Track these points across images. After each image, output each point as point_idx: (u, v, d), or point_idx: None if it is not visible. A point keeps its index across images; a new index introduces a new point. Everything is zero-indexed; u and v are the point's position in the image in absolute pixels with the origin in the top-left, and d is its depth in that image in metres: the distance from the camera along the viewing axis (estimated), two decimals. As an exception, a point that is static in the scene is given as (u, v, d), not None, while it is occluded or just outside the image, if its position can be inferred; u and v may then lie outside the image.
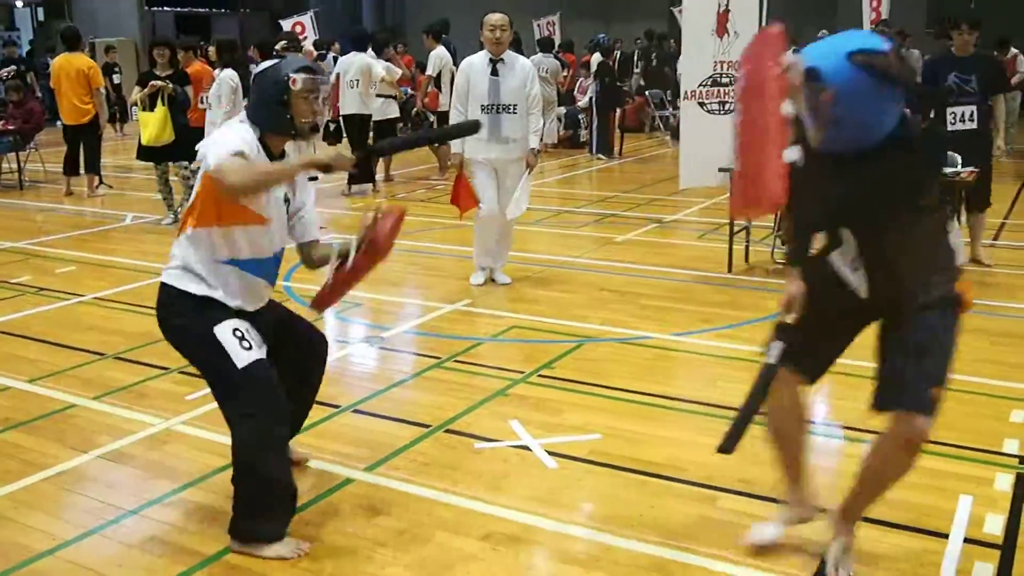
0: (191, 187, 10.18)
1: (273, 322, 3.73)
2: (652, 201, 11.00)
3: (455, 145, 6.93)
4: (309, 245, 3.78)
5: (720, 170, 7.42)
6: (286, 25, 16.78)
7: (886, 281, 3.04)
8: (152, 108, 9.65)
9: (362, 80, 11.66)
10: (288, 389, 3.59)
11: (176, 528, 3.69)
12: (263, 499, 3.53)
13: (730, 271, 7.52)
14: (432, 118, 13.09)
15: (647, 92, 18.49)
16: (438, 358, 5.62)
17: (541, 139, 6.99)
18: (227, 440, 4.37)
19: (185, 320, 3.51)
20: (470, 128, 4.59)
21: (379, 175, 12.65)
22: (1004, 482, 3.95)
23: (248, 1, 30.43)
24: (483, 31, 6.84)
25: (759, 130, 2.79)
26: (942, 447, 4.13)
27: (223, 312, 3.49)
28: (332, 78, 11.67)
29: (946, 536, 3.52)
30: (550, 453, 4.27)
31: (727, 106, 7.86)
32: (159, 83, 9.62)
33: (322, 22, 16.98)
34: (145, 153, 9.96)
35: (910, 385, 2.96)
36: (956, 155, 6.80)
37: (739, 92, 2.97)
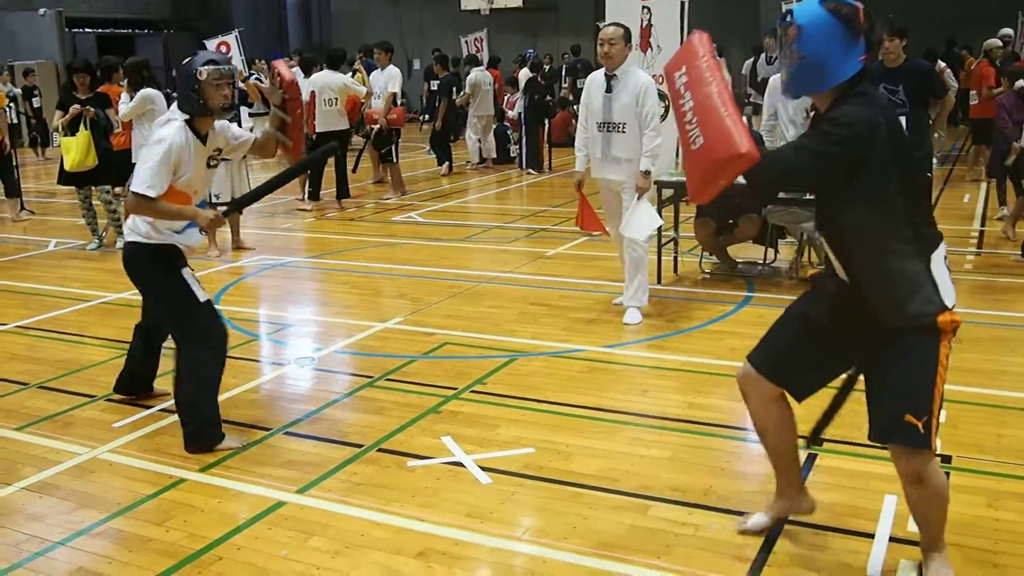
0: (114, 211, 10.08)
1: None
2: (582, 215, 11.08)
3: (579, 162, 6.72)
4: (254, 145, 4.87)
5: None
6: (211, 45, 16.59)
7: (854, 290, 3.09)
8: (74, 133, 9.45)
9: (340, 99, 11.72)
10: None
11: (105, 559, 3.62)
12: (205, 415, 4.52)
13: (659, 282, 7.61)
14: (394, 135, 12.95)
15: (574, 106, 18.65)
16: (370, 377, 5.60)
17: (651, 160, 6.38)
18: (155, 467, 4.41)
19: (158, 264, 4.57)
20: (324, 154, 4.99)
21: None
22: (926, 481, 4.05)
23: (172, 22, 30.06)
24: (597, 45, 6.63)
25: (713, 107, 2.96)
26: (865, 448, 4.22)
27: (182, 259, 4.62)
28: (306, 95, 11.58)
29: (872, 536, 3.61)
30: (483, 468, 4.27)
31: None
32: (79, 107, 9.42)
33: (247, 42, 16.82)
34: (67, 177, 9.74)
35: (887, 417, 3.03)
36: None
37: (682, 88, 3.12)
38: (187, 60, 4.53)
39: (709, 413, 4.86)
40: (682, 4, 8.06)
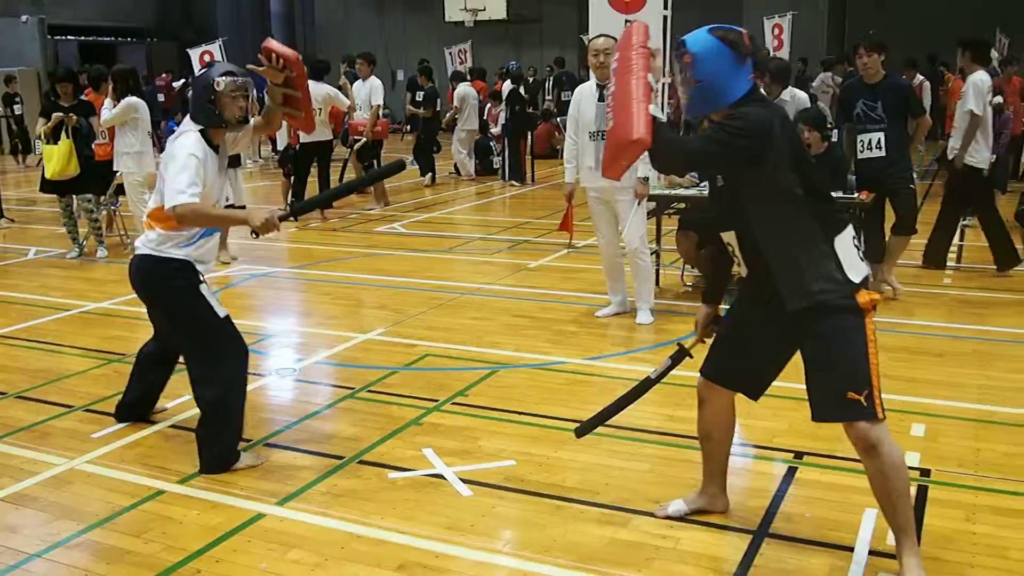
0: (95, 220, 10.00)
1: None
2: (565, 227, 11.10)
3: (568, 174, 6.92)
4: (257, 127, 4.67)
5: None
6: (194, 54, 16.57)
7: (761, 274, 3.35)
8: (56, 141, 9.38)
9: (324, 110, 11.71)
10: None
11: (82, 571, 3.59)
12: (229, 429, 4.41)
13: (641, 295, 7.61)
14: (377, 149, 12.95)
15: (557, 119, 18.70)
16: (352, 388, 5.58)
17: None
18: (133, 479, 4.38)
19: (176, 280, 4.37)
20: (393, 169, 4.75)
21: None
22: (905, 494, 4.06)
23: (155, 30, 29.97)
24: (588, 56, 6.73)
25: (628, 94, 3.23)
26: (845, 461, 4.25)
27: (198, 276, 4.42)
28: None
29: (851, 549, 3.62)
30: (464, 481, 4.27)
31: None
32: (62, 115, 9.36)
33: (231, 51, 16.78)
34: (49, 186, 9.67)
35: (831, 398, 3.25)
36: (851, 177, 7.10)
37: (612, 72, 3.43)
38: (202, 71, 4.45)
39: (689, 426, 4.84)
40: (664, 18, 8.10)
